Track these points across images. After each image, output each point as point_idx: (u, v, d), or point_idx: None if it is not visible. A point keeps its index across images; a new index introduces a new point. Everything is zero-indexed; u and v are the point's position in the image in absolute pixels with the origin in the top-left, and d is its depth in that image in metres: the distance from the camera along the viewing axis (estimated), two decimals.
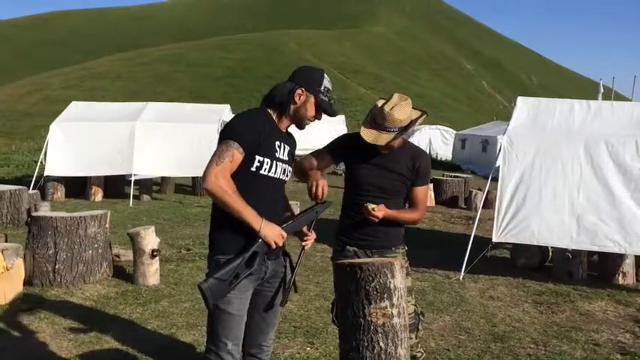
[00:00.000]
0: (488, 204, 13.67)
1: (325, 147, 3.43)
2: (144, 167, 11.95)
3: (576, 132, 6.85)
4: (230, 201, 2.48)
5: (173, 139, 11.87)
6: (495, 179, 7.61)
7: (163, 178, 13.71)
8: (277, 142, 2.70)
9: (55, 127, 12.08)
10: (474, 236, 9.82)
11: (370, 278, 2.63)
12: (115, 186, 12.91)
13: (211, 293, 2.49)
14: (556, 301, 6.12)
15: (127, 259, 6.53)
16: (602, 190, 6.53)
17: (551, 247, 7.39)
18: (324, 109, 2.74)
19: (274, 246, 2.59)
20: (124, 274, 6.25)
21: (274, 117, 2.74)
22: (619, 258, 6.98)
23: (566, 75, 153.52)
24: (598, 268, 7.32)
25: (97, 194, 12.45)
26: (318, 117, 2.76)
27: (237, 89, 61.30)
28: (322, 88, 2.72)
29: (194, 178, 13.59)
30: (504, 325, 5.28)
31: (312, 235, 2.85)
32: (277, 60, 74.07)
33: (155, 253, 5.94)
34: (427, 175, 3.36)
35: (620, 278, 7.04)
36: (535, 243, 6.84)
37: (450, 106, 68.91)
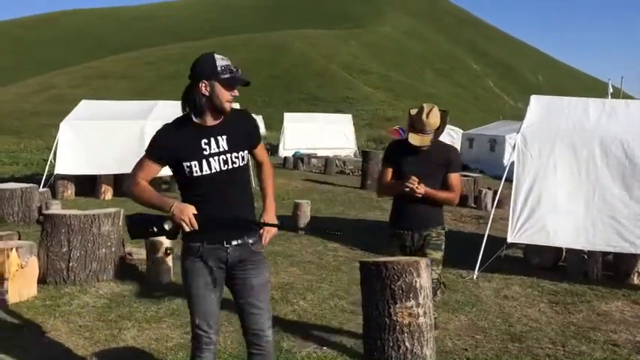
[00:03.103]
0: (499, 203, 13.70)
1: (384, 162, 4.34)
2: None
3: (592, 131, 6.79)
4: (140, 198, 2.75)
5: None
6: (507, 179, 7.57)
7: (172, 177, 13.68)
8: (204, 140, 2.77)
9: (65, 126, 12.07)
10: (483, 235, 9.80)
11: (396, 277, 2.61)
12: (124, 185, 12.87)
13: (131, 226, 2.79)
14: (572, 301, 6.06)
15: (140, 257, 6.51)
16: (618, 190, 6.48)
17: (565, 247, 7.33)
18: (232, 84, 2.74)
19: (184, 226, 2.63)
20: (136, 272, 6.24)
21: (195, 118, 2.80)
22: (634, 258, 6.91)
23: (573, 74, 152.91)
24: (613, 268, 7.26)
25: (107, 193, 12.44)
26: (232, 93, 2.77)
27: (242, 89, 61.10)
28: (219, 69, 2.71)
29: None
30: (521, 325, 5.23)
31: (271, 231, 2.96)
32: (283, 60, 74.09)
33: (169, 252, 5.92)
34: (458, 164, 4.21)
35: (635, 278, 6.98)
36: (550, 244, 6.79)
37: (456, 105, 68.57)
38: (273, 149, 27.37)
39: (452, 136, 30.84)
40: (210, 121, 2.80)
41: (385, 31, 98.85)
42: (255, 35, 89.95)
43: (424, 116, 3.92)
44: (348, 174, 20.02)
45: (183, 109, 2.82)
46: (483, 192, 13.23)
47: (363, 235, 8.98)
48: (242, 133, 2.90)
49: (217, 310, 2.96)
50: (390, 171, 4.21)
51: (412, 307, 2.55)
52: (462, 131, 29.85)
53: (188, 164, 2.74)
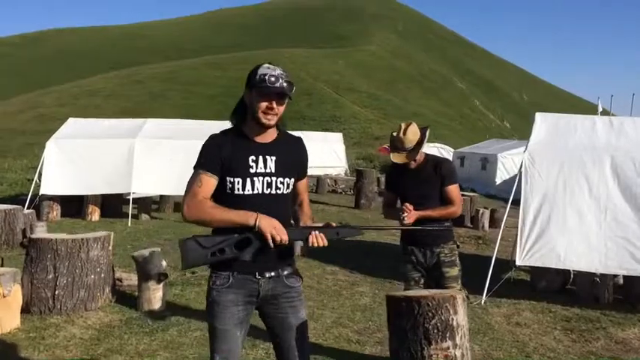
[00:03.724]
0: (496, 223, 13.46)
1: (386, 186, 4.39)
2: (143, 185, 11.56)
3: (602, 149, 6.56)
4: (211, 217, 2.47)
5: (174, 156, 11.48)
6: (500, 198, 7.32)
7: (162, 197, 13.31)
8: (252, 157, 2.57)
9: (51, 144, 11.68)
10: (486, 257, 9.51)
11: (430, 315, 2.30)
12: (112, 205, 12.49)
13: (187, 253, 2.44)
14: (587, 327, 5.78)
15: (130, 283, 6.15)
16: (630, 210, 6.23)
17: (573, 270, 7.07)
18: (264, 94, 2.50)
19: (270, 238, 2.43)
20: (127, 299, 5.87)
21: (246, 130, 2.61)
22: None
23: (557, 93, 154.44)
24: (623, 291, 7.00)
25: (94, 214, 12.04)
26: (269, 104, 2.52)
27: (230, 108, 60.77)
28: (257, 77, 2.52)
29: None
30: (538, 356, 4.94)
31: (322, 241, 2.57)
32: None
33: (162, 278, 5.57)
34: (452, 175, 4.15)
35: None
36: (561, 267, 6.52)
37: (443, 124, 68.81)
38: None
39: (442, 155, 30.78)
40: (257, 137, 2.59)
41: (373, 50, 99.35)
42: (244, 54, 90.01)
43: (401, 134, 4.00)
44: (341, 193, 19.75)
45: (231, 119, 2.66)
46: (480, 211, 12.98)
47: (361, 257, 8.68)
48: (292, 160, 2.68)
49: (240, 348, 2.67)
50: (391, 196, 4.31)
51: (449, 348, 2.25)
52: (452, 150, 29.74)
53: (232, 180, 2.53)
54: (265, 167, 2.58)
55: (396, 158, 4.01)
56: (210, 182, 2.54)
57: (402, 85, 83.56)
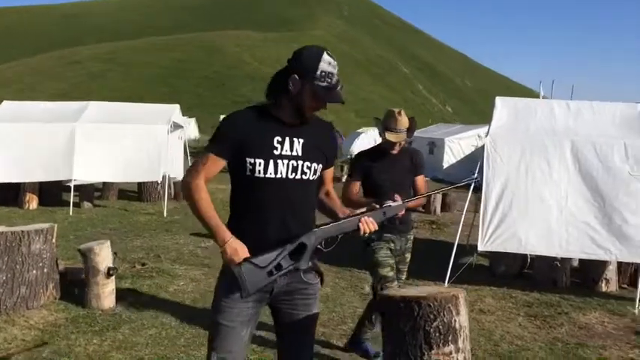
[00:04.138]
0: (447, 207, 13.53)
1: (351, 174, 4.15)
2: (85, 172, 10.93)
3: (562, 133, 6.53)
4: (198, 210, 2.31)
5: (118, 141, 10.92)
6: (448, 182, 7.24)
7: (105, 184, 12.70)
8: (277, 138, 2.34)
9: None
10: (441, 242, 9.47)
11: (432, 317, 2.09)
12: (51, 193, 11.80)
13: (246, 279, 2.22)
14: (549, 313, 5.75)
15: (76, 277, 5.72)
16: (591, 194, 6.23)
17: (531, 255, 7.07)
18: (320, 96, 2.30)
19: (235, 271, 2.24)
20: (73, 295, 5.44)
21: (274, 109, 2.37)
22: (602, 264, 6.72)
23: (497, 79, 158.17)
24: (580, 276, 7.06)
25: (32, 202, 11.35)
26: (319, 105, 2.34)
27: (174, 90, 59.67)
28: (318, 73, 2.27)
29: (140, 184, 12.64)
30: (506, 344, 4.84)
31: (373, 225, 2.41)
32: (217, 61, 72.79)
33: (112, 272, 5.18)
34: (423, 165, 4.25)
35: (603, 285, 6.79)
36: (522, 252, 6.48)
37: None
38: None
39: None
40: (287, 118, 2.35)
41: (319, 35, 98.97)
42: (189, 36, 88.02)
43: (397, 114, 3.99)
44: None
45: (268, 95, 2.37)
46: (432, 196, 12.97)
47: (334, 248, 8.44)
48: (321, 145, 2.44)
49: (244, 349, 2.43)
50: (357, 185, 4.10)
51: (451, 352, 2.06)
52: None
53: (252, 161, 2.29)
54: (291, 149, 2.34)
55: (392, 137, 3.96)
56: (216, 163, 2.35)
57: (350, 70, 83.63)
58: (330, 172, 2.58)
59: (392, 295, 2.20)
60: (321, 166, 2.44)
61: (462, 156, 22.45)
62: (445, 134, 24.08)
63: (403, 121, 3.98)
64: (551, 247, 6.27)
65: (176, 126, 12.08)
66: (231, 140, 2.30)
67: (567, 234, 6.21)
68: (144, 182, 12.33)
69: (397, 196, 3.67)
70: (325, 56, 2.29)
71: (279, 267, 2.27)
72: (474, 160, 21.73)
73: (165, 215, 10.70)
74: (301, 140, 2.36)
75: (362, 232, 2.36)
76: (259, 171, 2.30)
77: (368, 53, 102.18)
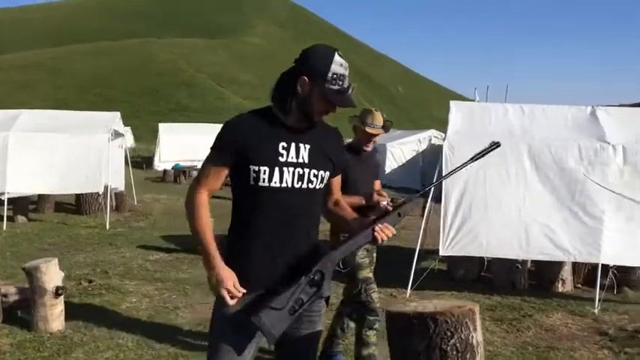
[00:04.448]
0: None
1: None
2: (19, 184, 10.26)
3: (518, 137, 6.57)
4: (195, 228, 2.19)
5: (55, 150, 10.31)
6: (390, 187, 7.20)
7: (40, 196, 11.99)
8: (282, 144, 2.17)
9: None
10: (397, 247, 9.42)
11: (449, 334, 1.94)
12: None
13: (269, 326, 2.06)
14: (514, 316, 5.74)
15: (17, 298, 5.27)
16: (548, 196, 6.28)
17: (487, 257, 7.10)
18: (331, 100, 2.14)
19: (226, 299, 2.10)
20: (16, 318, 5.00)
21: (279, 113, 2.20)
22: (557, 265, 6.82)
23: (429, 86, 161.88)
24: (536, 277, 7.13)
25: None
26: (330, 109, 2.18)
27: (106, 99, 57.86)
28: (329, 75, 2.11)
29: (79, 196, 11.98)
30: None
31: (389, 231, 2.20)
32: (151, 69, 71.10)
33: (60, 292, 4.79)
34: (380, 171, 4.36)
35: (559, 286, 6.89)
36: (484, 255, 6.48)
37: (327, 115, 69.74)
38: (146, 162, 25.74)
39: None
40: (293, 123, 2.19)
41: (254, 42, 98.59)
42: (122, 43, 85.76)
43: (374, 111, 4.04)
44: None
45: (273, 97, 2.21)
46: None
47: None
48: (328, 151, 2.28)
49: None
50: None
51: None
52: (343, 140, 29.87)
53: (256, 168, 2.12)
54: (297, 156, 2.18)
55: (372, 130, 3.97)
56: (219, 174, 2.21)
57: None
58: (337, 180, 2.42)
59: (403, 312, 2.03)
60: (328, 173, 2.27)
61: (404, 161, 22.67)
62: (387, 139, 24.23)
63: (379, 118, 4.01)
64: (511, 249, 6.29)
65: (117, 134, 11.56)
66: (234, 146, 2.13)
67: (527, 236, 6.24)
68: (83, 194, 11.71)
69: (381, 198, 3.61)
70: (337, 57, 2.14)
71: (299, 302, 2.11)
72: (416, 164, 22.12)
73: (107, 228, 10.18)
74: (307, 146, 2.20)
75: (379, 241, 2.17)
76: (264, 179, 2.13)
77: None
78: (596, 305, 5.98)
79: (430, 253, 7.66)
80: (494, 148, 2.38)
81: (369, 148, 4.05)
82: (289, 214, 2.17)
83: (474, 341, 1.97)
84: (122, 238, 9.40)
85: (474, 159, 2.37)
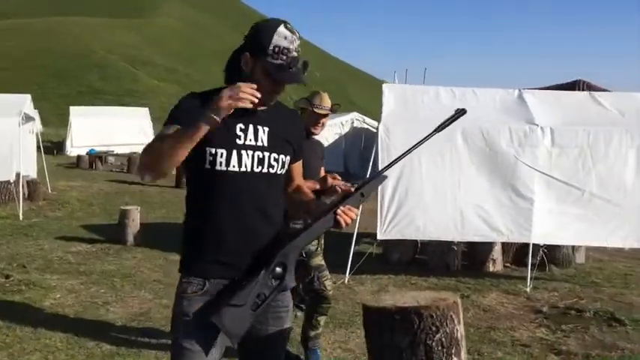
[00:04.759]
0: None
1: None
2: None
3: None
4: (158, 150, 1.87)
5: None
6: None
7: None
8: (240, 125, 1.99)
9: None
10: (331, 231, 9.37)
11: (434, 329, 1.84)
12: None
13: (231, 326, 1.90)
14: None
15: None
16: (482, 179, 6.38)
17: (420, 240, 7.17)
18: (274, 76, 1.96)
19: (245, 98, 1.83)
20: None
21: None
22: (488, 246, 6.98)
23: (349, 71, 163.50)
24: (468, 258, 7.27)
25: None
26: (277, 88, 2.01)
27: (7, 81, 54.42)
28: (270, 48, 1.94)
29: None
30: None
31: (353, 213, 2.00)
32: (58, 50, 67.47)
33: None
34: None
35: (490, 266, 7.07)
36: (421, 238, 6.53)
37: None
38: (57, 147, 24.41)
39: None
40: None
41: (169, 23, 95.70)
42: (27, 22, 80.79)
43: (322, 93, 3.93)
44: None
45: (225, 77, 2.05)
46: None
47: None
48: (288, 135, 2.11)
49: None
50: None
51: None
52: None
53: (213, 151, 1.94)
54: (256, 139, 2.01)
55: (321, 111, 3.85)
56: None
57: (203, 59, 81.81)
58: (299, 166, 2.24)
59: (383, 307, 1.91)
60: (289, 158, 2.10)
61: (327, 144, 22.73)
62: None
63: (327, 100, 3.90)
64: (447, 232, 6.36)
65: (27, 118, 10.78)
66: (193, 117, 1.86)
67: (462, 218, 6.32)
68: None
69: (335, 181, 3.47)
70: (282, 29, 1.94)
71: (261, 297, 1.94)
72: (339, 147, 22.21)
73: (21, 218, 9.49)
74: (266, 129, 2.03)
75: (343, 225, 1.99)
76: (221, 163, 1.95)
77: (223, 43, 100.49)
78: (528, 284, 6.16)
79: (363, 236, 7.66)
80: (461, 115, 2.23)
81: (318, 131, 3.89)
82: (250, 200, 2.00)
83: (459, 334, 1.88)
84: (38, 229, 8.79)
85: (439, 129, 2.20)
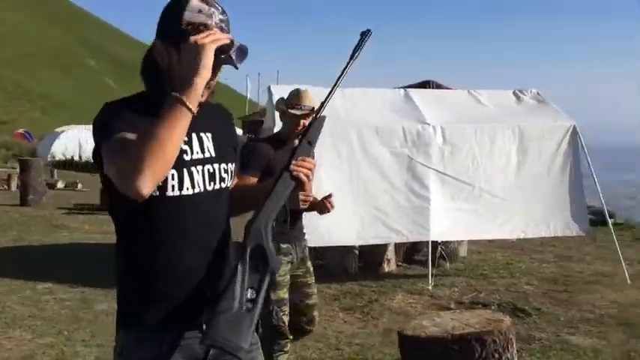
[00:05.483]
0: None
1: (245, 166, 3.29)
2: None
3: (345, 121, 6.47)
4: (140, 149, 1.36)
5: None
6: None
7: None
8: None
9: None
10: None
11: (496, 355, 1.61)
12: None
13: (231, 337, 1.45)
14: (361, 303, 5.71)
15: None
16: (379, 179, 6.31)
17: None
18: (186, 47, 1.48)
19: (217, 39, 1.44)
20: None
21: (159, 97, 1.50)
22: (382, 247, 6.98)
23: None
24: (362, 259, 7.20)
25: None
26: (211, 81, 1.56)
27: None
28: (182, 28, 1.49)
29: None
30: (348, 347, 4.59)
31: (310, 164, 1.63)
32: None
33: None
34: None
35: (385, 266, 7.08)
36: (323, 244, 6.30)
37: (82, 104, 64.58)
38: None
39: None
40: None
41: None
42: None
43: (302, 92, 3.48)
44: None
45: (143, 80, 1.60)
46: None
47: (74, 265, 7.06)
48: (228, 138, 1.71)
49: None
50: (252, 181, 3.22)
51: None
52: None
53: None
54: (202, 150, 1.60)
55: (299, 111, 3.41)
56: None
57: (29, 63, 75.34)
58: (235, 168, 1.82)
59: (437, 336, 1.64)
60: (234, 166, 1.72)
61: None
62: None
63: (309, 99, 3.44)
64: (349, 235, 6.22)
65: None
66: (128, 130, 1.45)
67: (362, 221, 6.22)
68: None
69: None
70: (194, 2, 1.51)
71: (253, 293, 1.50)
72: None
73: None
74: (209, 135, 1.64)
75: (304, 179, 1.60)
76: (173, 186, 1.53)
77: (47, 45, 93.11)
78: (430, 282, 6.21)
79: None
80: (369, 36, 1.87)
81: (299, 129, 3.42)
82: (204, 226, 1.60)
83: (516, 358, 1.67)
84: None
85: (353, 57, 1.85)
